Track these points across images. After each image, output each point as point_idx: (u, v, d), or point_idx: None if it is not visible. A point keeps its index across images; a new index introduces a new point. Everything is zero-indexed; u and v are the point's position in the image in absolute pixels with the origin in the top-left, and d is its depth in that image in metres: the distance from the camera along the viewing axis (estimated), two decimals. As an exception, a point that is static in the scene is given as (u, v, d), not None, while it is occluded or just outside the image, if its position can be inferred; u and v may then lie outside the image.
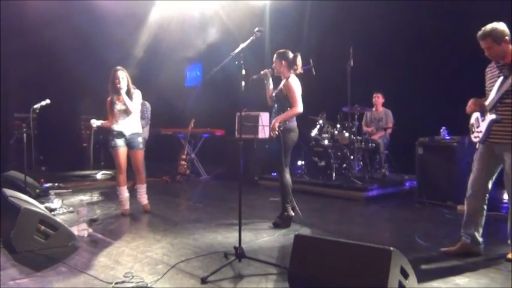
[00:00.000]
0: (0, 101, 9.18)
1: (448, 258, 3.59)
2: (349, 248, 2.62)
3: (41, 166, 10.05)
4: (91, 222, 4.85)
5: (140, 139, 5.40)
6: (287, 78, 4.71)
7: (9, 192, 4.35)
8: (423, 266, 3.40)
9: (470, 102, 3.63)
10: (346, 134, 7.27)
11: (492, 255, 3.66)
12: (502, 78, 3.40)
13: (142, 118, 7.23)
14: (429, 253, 3.77)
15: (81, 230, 4.37)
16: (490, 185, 3.62)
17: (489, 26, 3.43)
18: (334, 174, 7.09)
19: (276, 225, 4.71)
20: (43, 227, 3.83)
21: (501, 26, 3.42)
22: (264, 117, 8.01)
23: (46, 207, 4.99)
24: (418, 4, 7.06)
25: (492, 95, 3.46)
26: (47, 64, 9.79)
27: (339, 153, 7.30)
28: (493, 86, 3.48)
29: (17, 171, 6.72)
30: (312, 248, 2.76)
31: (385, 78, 7.60)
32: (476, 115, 3.66)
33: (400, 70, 7.55)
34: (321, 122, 7.54)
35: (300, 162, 7.86)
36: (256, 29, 3.69)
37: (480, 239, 3.67)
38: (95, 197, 6.67)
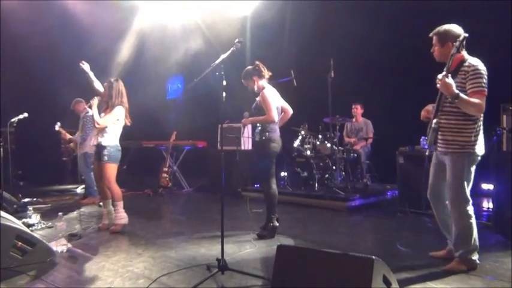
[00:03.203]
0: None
1: (430, 266, 3.60)
2: (332, 258, 2.61)
3: (19, 181, 9.85)
4: (70, 237, 4.74)
5: (105, 151, 5.09)
6: (262, 90, 4.75)
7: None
8: (405, 274, 3.41)
9: (426, 108, 3.71)
10: (328, 145, 7.32)
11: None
12: None
13: (80, 132, 7.22)
14: (411, 261, 3.78)
15: (60, 246, 4.27)
16: (444, 192, 3.64)
17: (444, 26, 3.50)
18: (316, 185, 7.12)
19: (261, 237, 4.69)
20: (20, 243, 3.70)
21: (453, 28, 3.45)
22: (246, 128, 8.01)
23: (24, 223, 4.86)
24: (396, 18, 7.21)
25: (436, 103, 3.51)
26: (24, 77, 9.64)
27: (321, 164, 7.34)
28: None
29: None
30: (295, 258, 2.74)
31: (366, 89, 7.71)
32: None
33: (381, 80, 7.66)
34: (302, 132, 7.58)
35: (282, 173, 7.87)
36: (237, 40, 3.72)
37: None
38: (75, 211, 6.54)
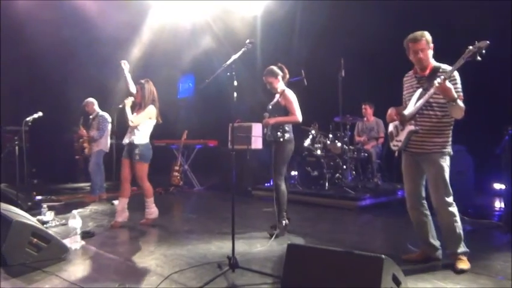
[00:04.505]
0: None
1: (439, 266, 3.61)
2: (342, 257, 2.64)
3: (32, 179, 9.97)
4: (84, 234, 4.82)
5: (137, 150, 5.32)
6: (283, 90, 4.84)
7: (1, 205, 4.31)
8: (415, 274, 3.42)
9: (390, 111, 3.77)
10: (339, 144, 7.32)
11: (483, 262, 3.68)
12: (420, 90, 3.53)
13: (97, 130, 7.31)
14: (424, 260, 3.78)
15: (73, 243, 4.35)
16: (422, 191, 3.73)
17: (419, 32, 3.54)
18: (327, 184, 7.13)
19: (272, 235, 4.72)
20: (35, 240, 3.80)
21: (428, 34, 3.54)
22: (257, 127, 8.04)
23: (38, 220, 4.95)
24: (407, 16, 7.18)
25: (411, 106, 3.57)
26: (38, 76, 9.77)
27: (332, 163, 7.35)
28: (411, 95, 3.59)
29: (9, 184, 6.67)
30: (305, 257, 2.77)
31: (377, 88, 7.67)
32: (395, 124, 3.79)
33: (392, 80, 7.59)
34: (313, 132, 7.59)
35: (293, 173, 7.89)
36: (248, 40, 3.75)
37: (436, 244, 3.75)
38: (88, 209, 6.63)
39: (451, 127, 3.55)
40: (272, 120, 4.87)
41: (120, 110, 5.50)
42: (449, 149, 3.54)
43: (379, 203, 6.67)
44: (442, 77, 3.28)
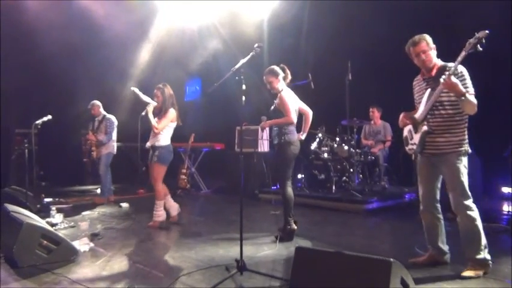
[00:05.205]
0: (0, 116, 9.23)
1: (448, 269, 3.60)
2: (350, 260, 2.64)
3: (41, 181, 10.05)
4: (92, 236, 4.86)
5: (157, 152, 5.44)
6: (279, 93, 4.81)
7: (11, 207, 4.37)
8: (423, 277, 3.41)
9: (402, 116, 3.78)
10: (346, 147, 7.32)
11: (492, 266, 3.66)
12: (429, 90, 3.53)
13: (105, 133, 7.36)
14: (429, 264, 3.78)
15: (82, 245, 4.39)
16: (437, 194, 3.72)
17: (418, 35, 3.56)
18: (334, 187, 7.13)
19: (279, 239, 4.72)
20: (45, 242, 3.84)
21: (428, 36, 3.56)
22: (265, 131, 8.06)
23: (47, 222, 5.00)
24: (415, 20, 7.17)
25: (421, 108, 3.58)
26: (47, 80, 9.86)
27: (339, 166, 7.34)
28: (422, 98, 3.60)
29: (18, 186, 6.74)
30: (313, 260, 2.78)
31: (384, 91, 7.67)
32: (408, 128, 3.79)
33: (399, 83, 7.58)
34: (320, 135, 7.59)
35: (299, 176, 7.90)
36: (256, 45, 3.76)
37: (445, 248, 3.74)
38: (96, 211, 6.68)
39: (465, 124, 3.51)
40: (266, 124, 4.92)
41: (143, 117, 5.56)
42: (465, 147, 3.49)
43: (386, 206, 6.66)
44: (447, 73, 3.29)
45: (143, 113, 5.51)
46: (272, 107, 4.92)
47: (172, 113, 5.49)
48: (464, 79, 3.39)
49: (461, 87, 3.28)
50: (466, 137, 3.51)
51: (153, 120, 5.42)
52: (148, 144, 5.58)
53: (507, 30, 6.15)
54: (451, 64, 3.46)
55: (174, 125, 5.59)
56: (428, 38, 3.54)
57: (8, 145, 9.41)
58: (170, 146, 5.57)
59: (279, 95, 4.81)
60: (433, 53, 3.55)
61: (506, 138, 5.41)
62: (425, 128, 3.52)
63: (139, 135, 5.33)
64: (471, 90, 3.38)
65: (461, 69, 3.40)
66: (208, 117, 10.51)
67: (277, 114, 4.82)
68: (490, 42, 3.20)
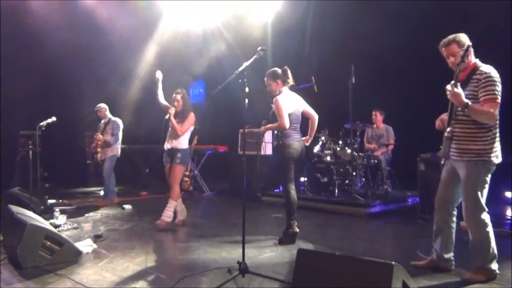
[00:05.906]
0: (5, 118, 9.28)
1: (449, 274, 3.59)
2: (352, 262, 2.64)
3: (45, 183, 10.09)
4: (95, 238, 4.88)
5: (179, 154, 5.55)
6: (275, 97, 4.78)
7: (15, 208, 4.39)
8: (425, 281, 3.42)
9: (438, 119, 3.71)
10: (348, 151, 7.32)
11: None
12: None
13: (111, 135, 7.39)
14: (431, 268, 3.77)
15: (85, 246, 4.40)
16: (455, 201, 3.62)
17: (452, 35, 3.47)
18: (336, 191, 7.12)
19: (281, 242, 4.72)
20: (49, 243, 3.86)
21: (463, 36, 3.44)
22: (266, 134, 8.08)
23: (51, 224, 5.02)
24: (419, 23, 7.18)
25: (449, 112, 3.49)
26: (51, 81, 9.91)
27: (341, 170, 7.34)
28: None
29: (22, 187, 6.77)
30: (315, 263, 2.78)
31: (387, 95, 7.68)
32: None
33: (402, 86, 7.62)
34: (323, 138, 7.60)
35: (302, 179, 7.90)
36: (260, 48, 3.78)
37: (447, 256, 3.67)
38: (99, 213, 6.70)
39: (490, 133, 3.34)
40: (263, 129, 4.97)
41: (167, 120, 5.67)
42: (486, 158, 3.32)
43: (389, 210, 6.64)
44: (452, 82, 3.27)
45: (166, 117, 5.63)
46: (271, 111, 4.93)
47: (193, 116, 5.71)
48: (490, 85, 3.24)
49: (463, 98, 3.21)
50: (492, 146, 3.35)
51: (176, 124, 5.57)
52: (168, 146, 5.66)
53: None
54: (484, 67, 3.35)
55: (192, 128, 5.77)
56: (462, 38, 3.42)
57: (13, 147, 9.45)
58: (188, 149, 5.81)
59: (274, 99, 4.80)
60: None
61: (510, 143, 5.40)
62: (445, 133, 3.46)
63: (162, 137, 5.52)
64: (489, 96, 3.22)
65: (488, 73, 3.27)
66: (211, 119, 10.52)
67: (274, 118, 4.81)
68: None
